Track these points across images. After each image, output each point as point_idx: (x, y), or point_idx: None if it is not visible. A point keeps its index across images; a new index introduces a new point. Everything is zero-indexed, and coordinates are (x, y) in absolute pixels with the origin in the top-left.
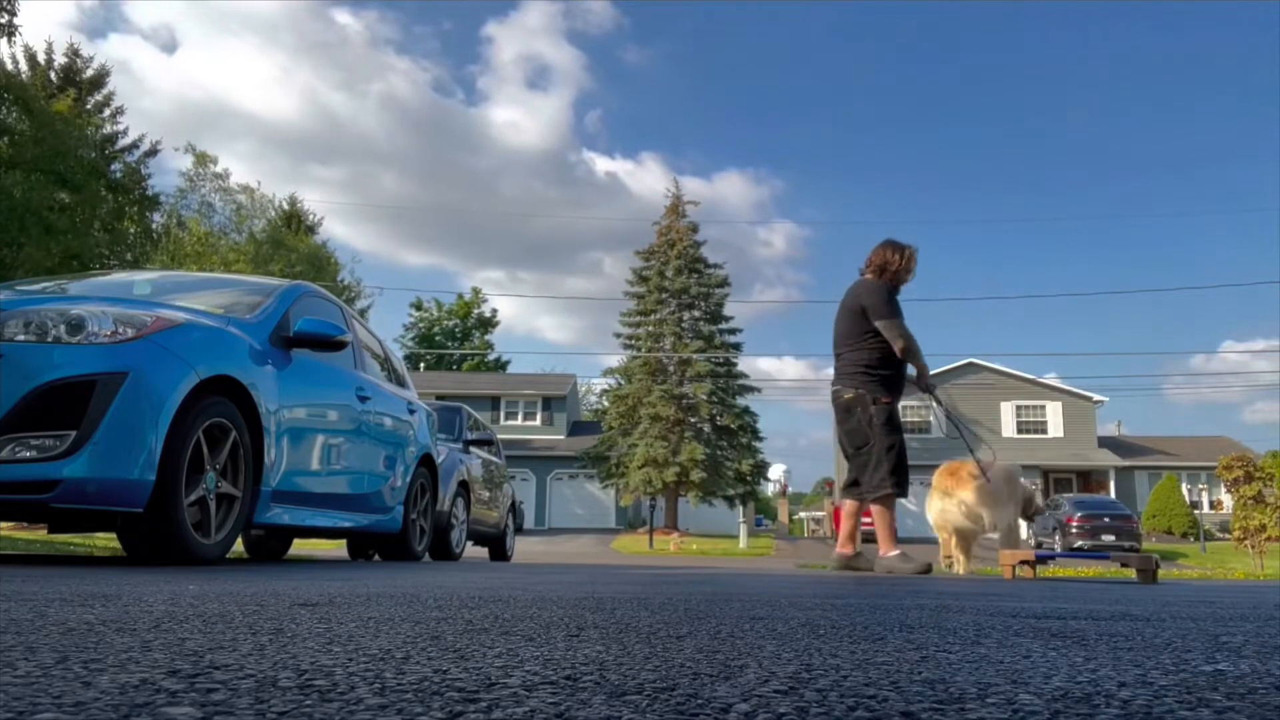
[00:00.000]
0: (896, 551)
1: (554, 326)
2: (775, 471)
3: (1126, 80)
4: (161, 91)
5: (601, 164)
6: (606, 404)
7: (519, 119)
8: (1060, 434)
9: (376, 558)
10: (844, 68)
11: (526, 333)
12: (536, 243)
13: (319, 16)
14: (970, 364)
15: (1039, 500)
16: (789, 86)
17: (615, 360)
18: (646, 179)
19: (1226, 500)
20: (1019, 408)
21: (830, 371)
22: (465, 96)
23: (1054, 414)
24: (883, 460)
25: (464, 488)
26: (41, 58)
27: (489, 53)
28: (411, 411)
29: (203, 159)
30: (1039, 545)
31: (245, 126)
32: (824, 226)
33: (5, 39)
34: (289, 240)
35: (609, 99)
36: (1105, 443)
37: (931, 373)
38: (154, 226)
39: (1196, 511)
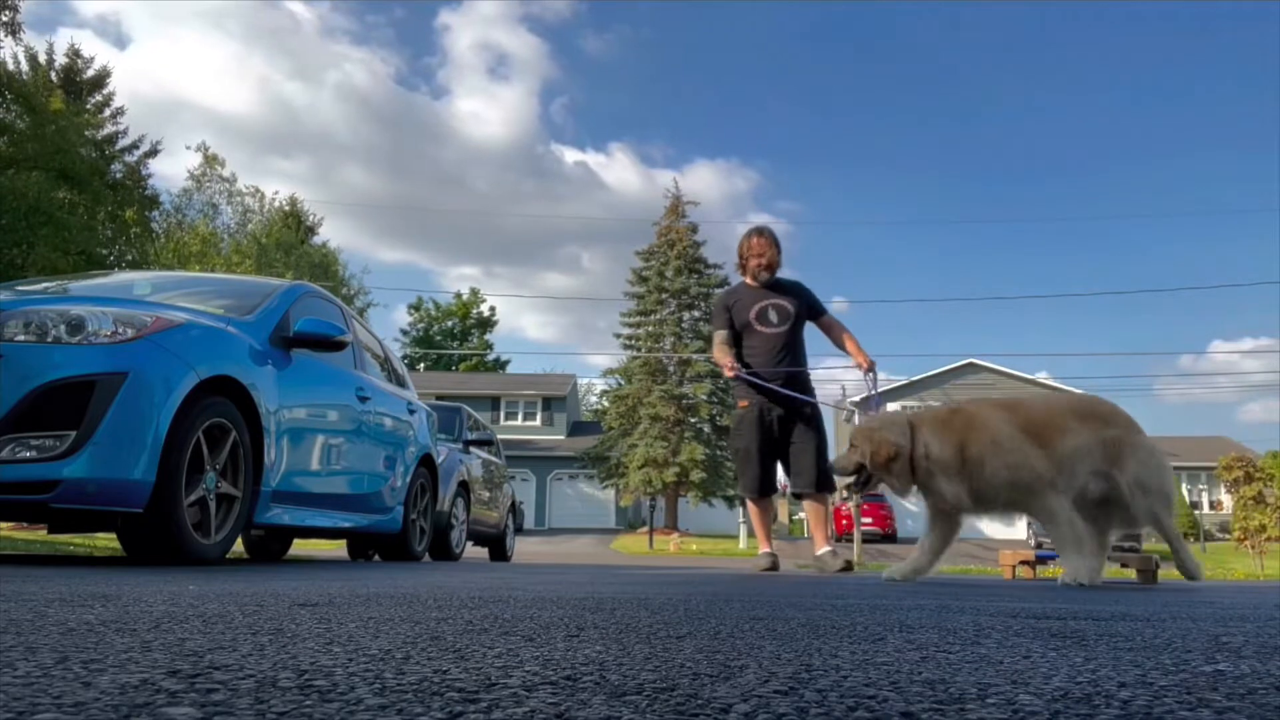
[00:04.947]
0: (765, 549)
1: (538, 324)
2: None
3: (1122, 79)
4: (114, 85)
5: (570, 155)
6: (606, 404)
7: (484, 110)
8: None
9: (376, 558)
10: (817, 54)
11: (509, 331)
12: (511, 237)
13: (272, 6)
14: (970, 364)
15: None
16: (756, 75)
17: (614, 360)
18: (617, 170)
19: (1226, 500)
20: None
21: (817, 372)
22: (429, 89)
23: None
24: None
25: (464, 488)
26: (43, 58)
27: (445, 42)
28: (411, 412)
29: (212, 160)
30: (1039, 545)
31: (202, 119)
32: (814, 223)
33: (10, 36)
34: (296, 245)
35: (573, 88)
36: None
37: (931, 373)
38: (155, 229)
39: (1196, 512)
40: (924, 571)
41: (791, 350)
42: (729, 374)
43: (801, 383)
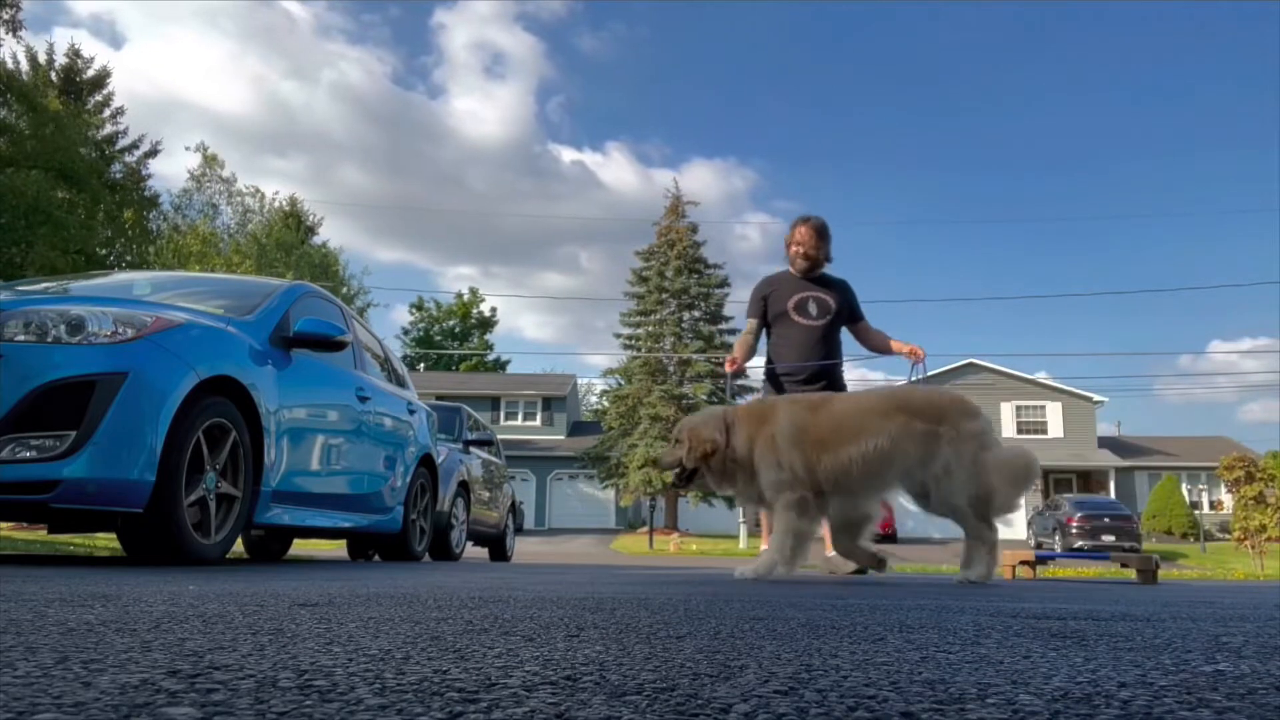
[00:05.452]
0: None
1: (536, 324)
2: None
3: (1122, 79)
4: (114, 85)
5: (567, 154)
6: (606, 404)
7: (480, 109)
8: (1060, 434)
9: (376, 558)
10: (815, 53)
11: (507, 331)
12: (508, 237)
13: (267, 5)
14: (970, 364)
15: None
16: (753, 74)
17: (614, 360)
18: (614, 169)
19: (1226, 500)
20: (1019, 408)
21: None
22: (426, 88)
23: (1054, 414)
24: None
25: (464, 488)
26: (43, 58)
27: (441, 41)
28: (411, 412)
29: (211, 160)
30: (1039, 545)
31: (198, 119)
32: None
33: (11, 34)
34: (296, 245)
35: (570, 87)
36: (1105, 443)
37: (931, 373)
38: (152, 228)
39: (1196, 512)
40: (849, 564)
41: (827, 347)
42: (728, 367)
43: (834, 379)
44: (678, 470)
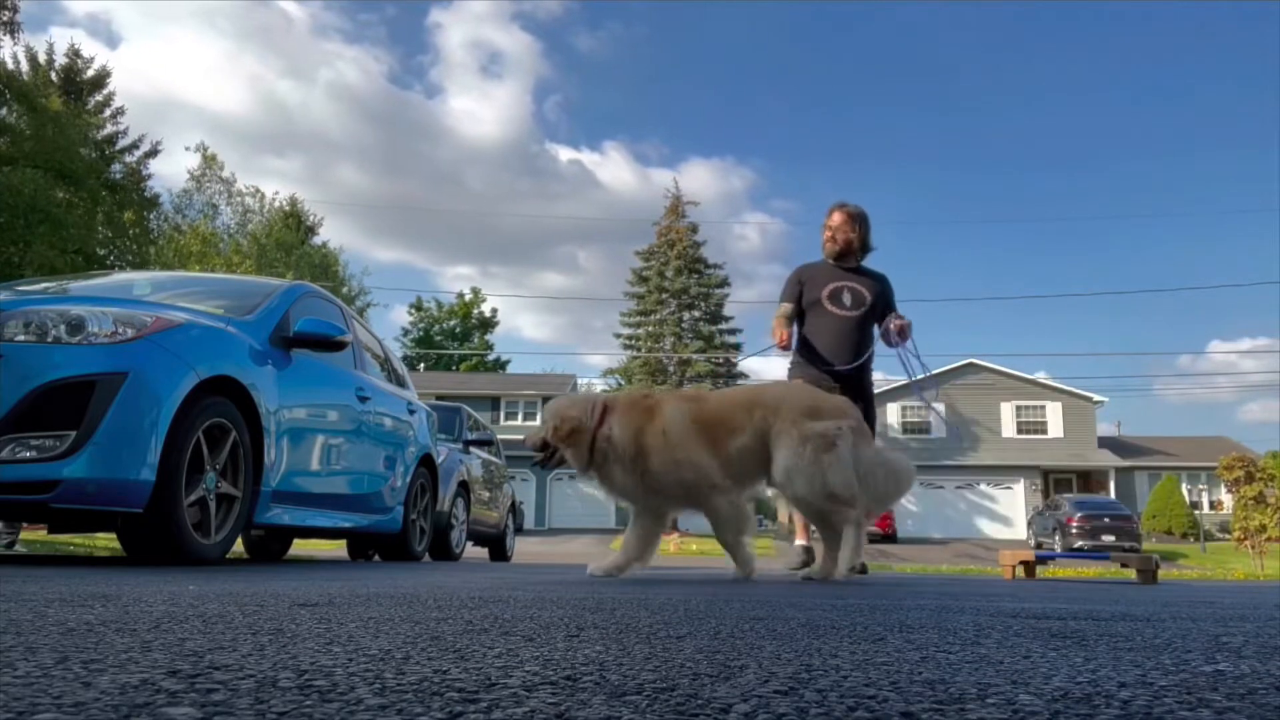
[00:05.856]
0: (802, 542)
1: (534, 324)
2: None
3: (1122, 79)
4: (114, 85)
5: (565, 154)
6: None
7: (477, 109)
8: (1060, 434)
9: (376, 558)
10: (813, 52)
11: (506, 331)
12: (507, 236)
13: (263, 4)
14: (970, 364)
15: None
16: (751, 73)
17: (613, 360)
18: (612, 169)
19: (1226, 500)
20: (1019, 408)
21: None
22: (422, 87)
23: (1054, 414)
24: None
25: (464, 488)
26: (43, 58)
27: (438, 40)
28: (411, 412)
29: (211, 160)
30: (1039, 546)
31: (195, 119)
32: (811, 224)
33: (10, 36)
34: (296, 245)
35: (567, 86)
36: (1105, 443)
37: (931, 373)
38: (153, 229)
39: (1196, 512)
40: (626, 568)
41: (859, 338)
42: (779, 344)
43: (862, 383)
44: (540, 449)
